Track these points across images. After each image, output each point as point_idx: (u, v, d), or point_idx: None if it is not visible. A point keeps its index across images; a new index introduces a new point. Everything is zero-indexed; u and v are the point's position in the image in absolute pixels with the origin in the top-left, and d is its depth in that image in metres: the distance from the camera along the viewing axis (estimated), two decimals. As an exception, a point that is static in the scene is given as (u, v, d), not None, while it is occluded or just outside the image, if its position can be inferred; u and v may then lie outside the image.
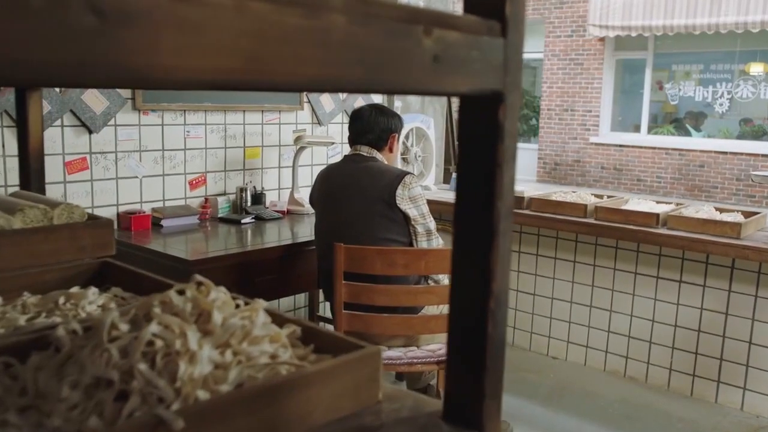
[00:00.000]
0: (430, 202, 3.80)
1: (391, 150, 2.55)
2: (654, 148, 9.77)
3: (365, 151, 2.49)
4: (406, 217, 2.35)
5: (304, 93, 3.44)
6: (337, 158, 3.21)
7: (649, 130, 10.16)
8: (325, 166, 2.66)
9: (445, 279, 2.54)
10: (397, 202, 2.32)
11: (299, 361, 0.78)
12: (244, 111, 3.21)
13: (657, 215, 2.99)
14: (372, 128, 2.51)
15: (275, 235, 2.87)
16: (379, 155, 2.50)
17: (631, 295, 3.30)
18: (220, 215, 3.08)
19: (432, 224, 2.40)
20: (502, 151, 0.67)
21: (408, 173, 2.39)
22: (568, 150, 10.53)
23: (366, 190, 2.36)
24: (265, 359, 0.75)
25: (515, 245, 3.69)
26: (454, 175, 4.11)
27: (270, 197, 3.33)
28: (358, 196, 2.37)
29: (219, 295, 0.79)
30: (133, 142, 2.83)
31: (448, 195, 3.83)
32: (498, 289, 0.69)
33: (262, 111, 3.29)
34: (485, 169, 0.67)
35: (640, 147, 9.88)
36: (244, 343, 0.76)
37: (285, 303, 3.42)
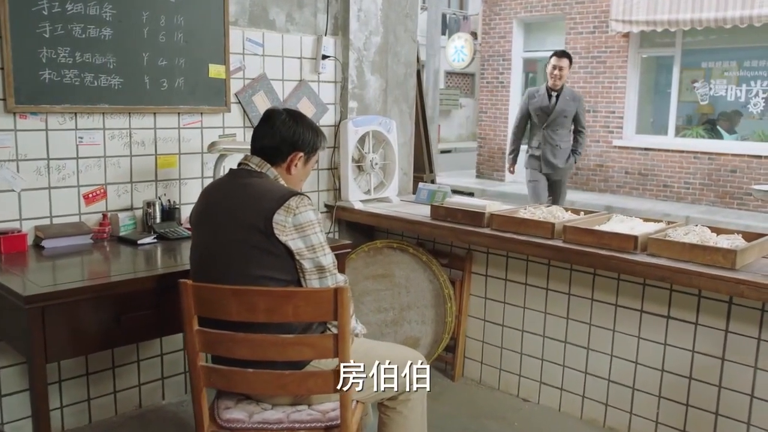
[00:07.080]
0: (386, 219, 3.33)
1: (289, 171, 2.02)
2: (682, 151, 9.06)
3: (255, 163, 2.01)
4: (289, 251, 1.86)
5: (233, 93, 3.00)
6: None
7: (678, 132, 9.44)
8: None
9: (354, 323, 2.05)
10: (276, 231, 1.81)
11: None
12: (154, 113, 2.77)
13: (635, 238, 2.45)
14: (273, 134, 2.01)
15: (168, 260, 2.43)
16: (273, 172, 2.00)
17: (611, 331, 2.77)
18: (122, 234, 2.65)
19: (326, 259, 1.88)
20: None
21: (295, 194, 1.87)
22: (590, 154, 9.86)
23: (238, 216, 1.86)
24: None
25: (482, 267, 3.18)
26: (420, 185, 3.62)
27: (188, 212, 2.89)
28: (230, 222, 1.87)
29: None
30: (7, 150, 2.42)
31: (410, 209, 3.34)
32: None
33: (179, 113, 2.85)
34: None
35: (667, 150, 9.18)
36: None
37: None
